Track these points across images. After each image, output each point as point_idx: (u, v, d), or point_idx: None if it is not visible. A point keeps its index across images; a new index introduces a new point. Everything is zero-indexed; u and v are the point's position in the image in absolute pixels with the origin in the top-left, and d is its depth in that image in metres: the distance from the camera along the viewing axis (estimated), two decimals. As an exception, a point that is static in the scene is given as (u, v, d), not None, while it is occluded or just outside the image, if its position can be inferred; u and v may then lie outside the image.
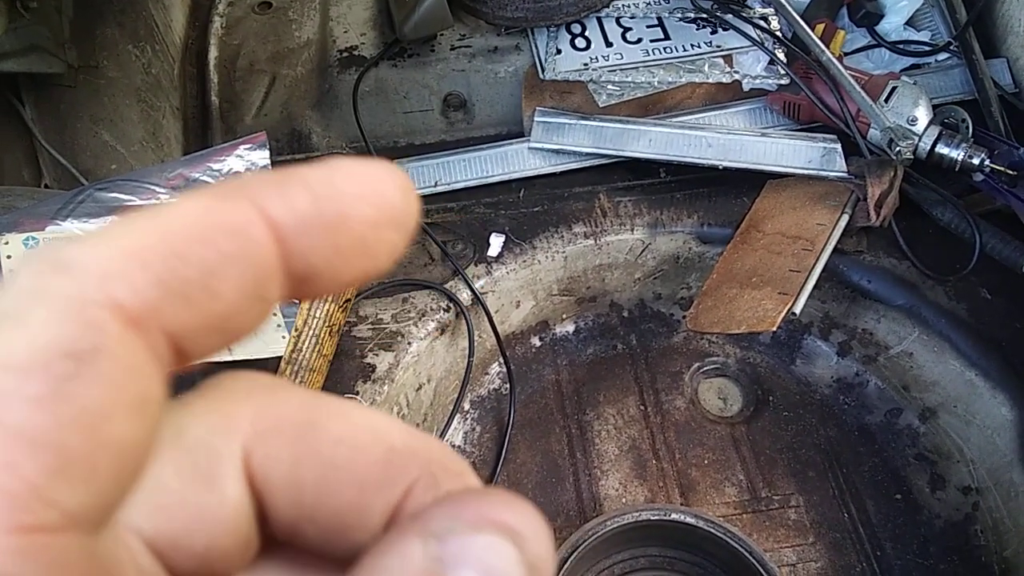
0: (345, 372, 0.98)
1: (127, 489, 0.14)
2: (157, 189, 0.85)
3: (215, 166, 0.89)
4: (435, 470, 0.16)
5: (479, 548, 0.14)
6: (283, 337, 0.85)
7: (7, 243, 0.77)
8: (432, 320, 1.06)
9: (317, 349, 0.75)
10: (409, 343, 1.04)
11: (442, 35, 1.30)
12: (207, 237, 0.14)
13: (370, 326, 1.04)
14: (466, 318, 1.08)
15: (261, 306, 0.15)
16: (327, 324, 0.70)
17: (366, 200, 0.15)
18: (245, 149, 0.91)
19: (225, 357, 0.84)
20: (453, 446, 1.12)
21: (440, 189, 1.21)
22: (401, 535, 0.15)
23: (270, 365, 0.81)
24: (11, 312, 0.13)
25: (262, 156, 0.92)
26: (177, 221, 0.14)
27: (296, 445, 0.16)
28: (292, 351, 0.73)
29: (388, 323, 1.05)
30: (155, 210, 0.14)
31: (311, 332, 0.72)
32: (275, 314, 0.89)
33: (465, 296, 1.09)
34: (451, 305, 1.08)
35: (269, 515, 0.16)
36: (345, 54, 1.32)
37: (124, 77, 1.10)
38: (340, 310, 0.71)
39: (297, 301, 0.91)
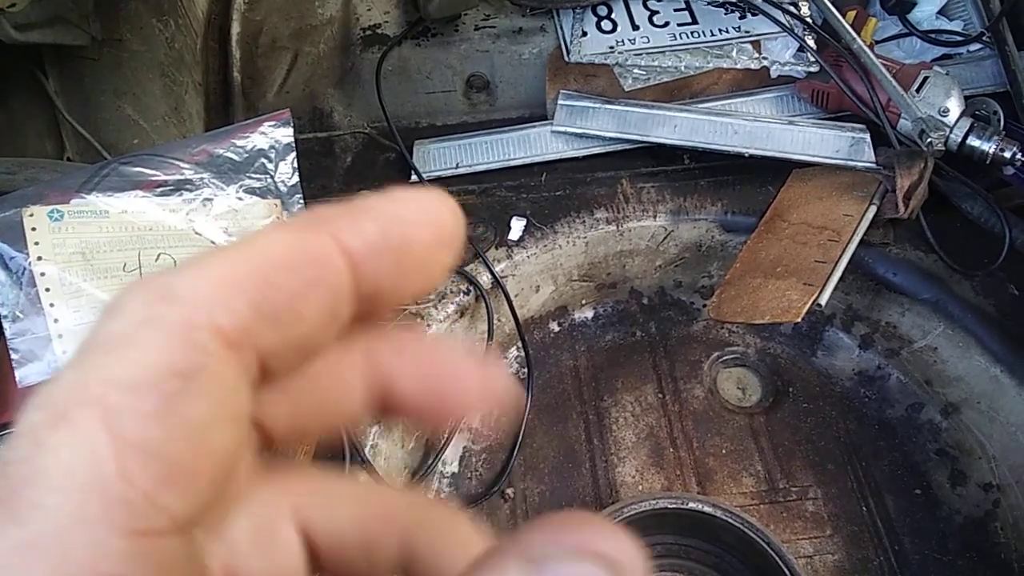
0: (364, 353, 0.97)
1: (222, 495, 0.15)
2: (181, 164, 0.84)
3: (239, 142, 0.88)
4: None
5: (578, 574, 0.14)
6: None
7: (32, 215, 0.77)
8: (452, 303, 1.06)
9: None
10: (428, 325, 1.03)
11: (466, 15, 1.29)
12: (294, 266, 0.15)
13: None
14: (486, 301, 1.07)
15: (335, 325, 0.16)
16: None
17: (425, 226, 0.17)
18: (269, 126, 0.90)
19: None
20: (470, 429, 1.12)
21: (461, 171, 1.20)
22: (500, 556, 0.15)
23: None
24: (126, 336, 0.14)
25: (285, 134, 0.91)
26: (267, 251, 0.15)
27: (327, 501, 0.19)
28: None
29: (408, 305, 1.04)
30: (246, 240, 0.15)
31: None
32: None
33: (485, 279, 1.08)
34: (471, 288, 1.07)
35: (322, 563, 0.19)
36: (368, 32, 1.31)
37: (147, 51, 1.09)
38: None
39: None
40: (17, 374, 0.77)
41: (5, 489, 0.13)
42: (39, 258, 0.77)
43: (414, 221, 0.17)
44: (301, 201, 0.91)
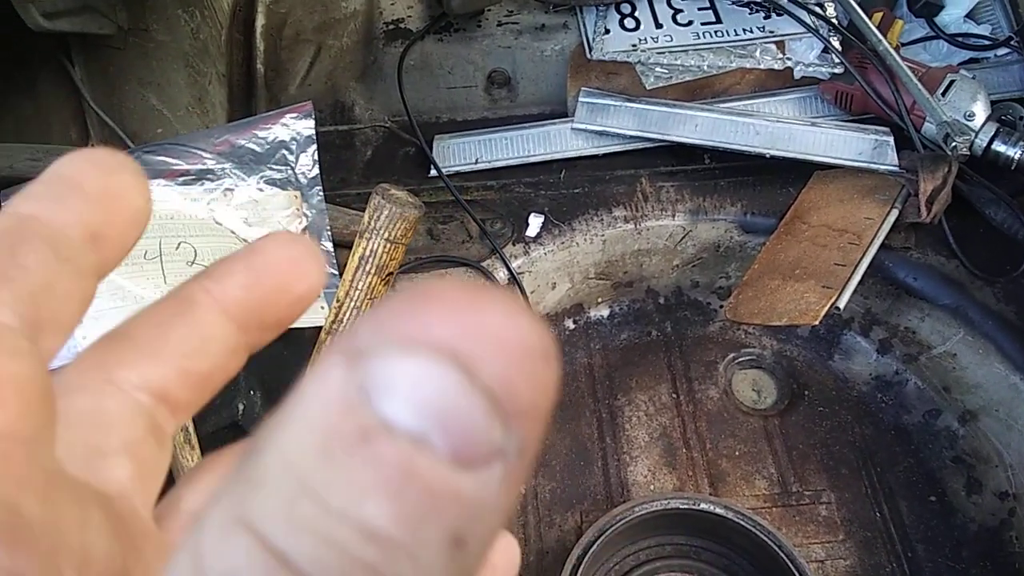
0: (380, 345, 0.98)
1: (37, 410, 0.16)
2: (204, 154, 0.85)
3: (261, 133, 0.89)
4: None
5: (410, 373, 0.11)
6: (322, 308, 0.85)
7: (56, 201, 0.78)
8: (468, 297, 1.06)
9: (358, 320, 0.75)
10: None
11: (489, 11, 1.29)
12: None
13: (406, 301, 1.03)
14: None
15: (73, 266, 0.18)
16: (369, 296, 0.70)
17: (82, 166, 0.19)
18: (291, 118, 0.91)
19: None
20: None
21: (481, 166, 1.20)
22: (328, 354, 0.12)
23: (309, 335, 0.82)
24: None
25: (307, 125, 0.92)
26: None
27: None
28: (333, 321, 0.74)
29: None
30: None
31: (352, 303, 0.72)
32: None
33: (501, 275, 1.08)
34: (487, 284, 1.07)
35: None
36: (391, 26, 1.31)
37: (173, 41, 1.10)
38: (382, 283, 0.71)
39: (337, 273, 0.92)
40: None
41: None
42: (63, 244, 0.78)
43: (71, 168, 0.19)
44: (321, 193, 0.91)
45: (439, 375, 0.11)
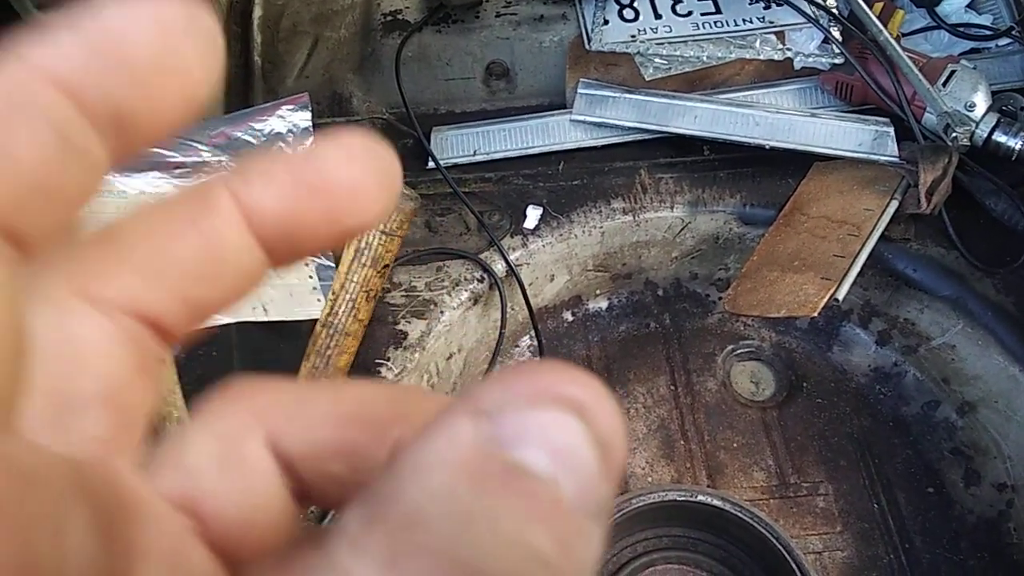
0: (377, 338, 0.98)
1: (14, 377, 0.13)
2: (199, 146, 0.85)
3: (257, 125, 0.89)
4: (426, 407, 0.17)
5: (541, 423, 0.12)
6: (318, 300, 0.85)
7: (52, 194, 0.78)
8: (465, 290, 1.06)
9: (353, 313, 0.75)
10: (442, 312, 1.03)
11: (488, 1, 1.28)
12: None
13: (403, 293, 1.04)
14: (500, 290, 1.08)
15: (82, 159, 0.14)
16: (364, 289, 0.70)
17: (139, 23, 0.14)
18: (287, 110, 0.91)
19: (260, 317, 0.85)
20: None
21: (479, 158, 1.19)
22: (449, 415, 0.13)
23: (305, 327, 0.82)
24: None
25: (304, 117, 0.91)
26: None
27: (303, 408, 0.17)
28: (328, 314, 0.74)
29: (422, 291, 1.05)
30: None
31: (348, 296, 0.72)
32: (310, 277, 0.90)
33: (500, 267, 1.08)
34: (485, 276, 1.07)
35: (298, 483, 0.17)
36: (389, 18, 1.31)
37: (169, 33, 1.10)
38: (377, 275, 0.71)
39: (334, 265, 0.91)
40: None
41: None
42: (59, 237, 0.78)
43: (123, 24, 0.14)
44: (317, 185, 0.91)
45: (567, 426, 0.13)
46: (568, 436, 0.12)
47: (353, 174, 0.16)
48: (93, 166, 0.14)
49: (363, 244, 0.70)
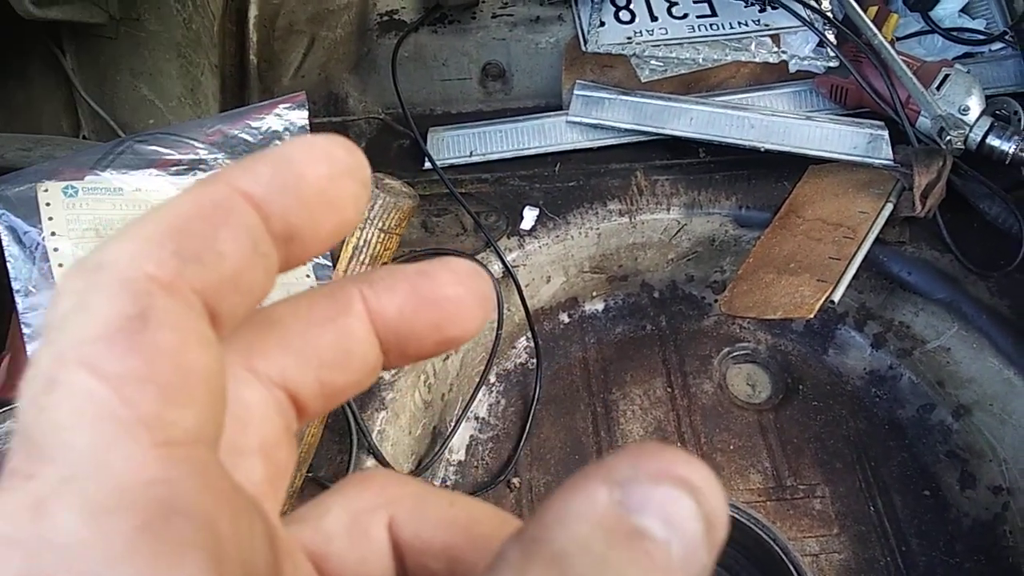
0: (374, 338, 0.97)
1: (221, 410, 0.16)
2: (196, 144, 0.84)
3: (254, 124, 0.88)
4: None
5: (661, 498, 0.15)
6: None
7: (46, 190, 0.77)
8: (462, 290, 1.05)
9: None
10: (438, 312, 1.03)
11: (484, 2, 1.28)
12: (202, 213, 0.17)
13: (400, 293, 1.03)
14: (496, 290, 1.07)
15: (265, 262, 0.17)
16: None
17: (316, 162, 0.18)
18: (284, 108, 0.90)
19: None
20: (477, 418, 1.12)
21: (475, 159, 1.19)
22: (586, 480, 0.15)
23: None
24: (76, 307, 0.15)
25: (300, 116, 0.91)
26: (176, 209, 0.17)
27: (419, 510, 0.20)
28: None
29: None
30: (157, 207, 0.17)
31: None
32: (308, 276, 0.89)
33: (496, 268, 1.08)
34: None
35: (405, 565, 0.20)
36: (385, 18, 1.30)
37: (165, 31, 1.09)
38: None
39: (331, 264, 0.91)
40: (29, 348, 0.77)
41: (24, 445, 0.14)
42: (53, 233, 0.77)
43: (304, 159, 0.18)
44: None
45: (682, 502, 0.15)
46: (681, 510, 0.15)
47: (459, 293, 0.19)
48: (270, 268, 0.17)
49: (361, 242, 0.70)
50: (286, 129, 0.91)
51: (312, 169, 0.17)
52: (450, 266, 0.20)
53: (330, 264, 0.86)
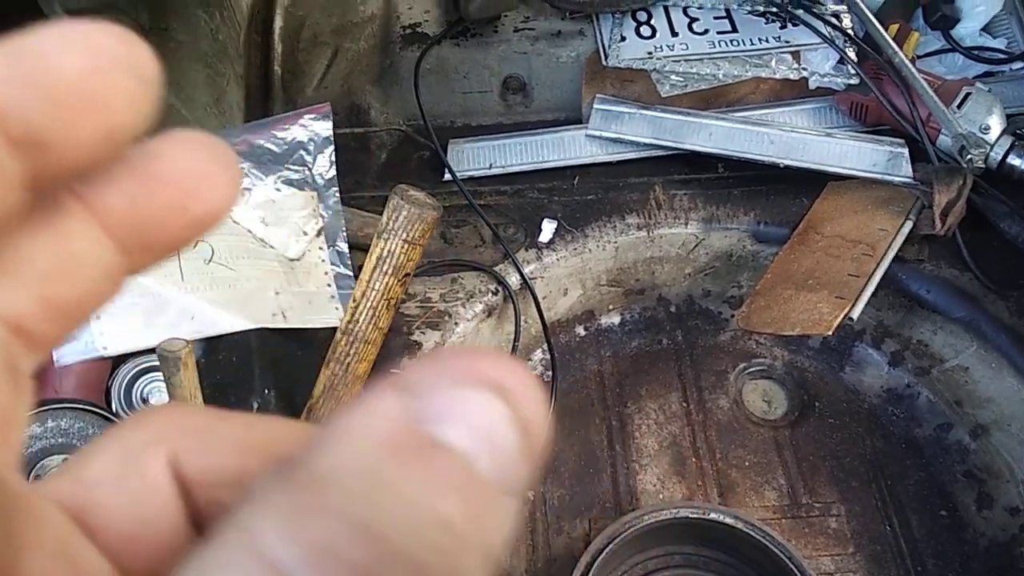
0: (392, 348, 0.98)
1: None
2: (222, 153, 0.85)
3: (279, 134, 0.89)
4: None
5: (465, 403, 0.13)
6: (336, 308, 0.85)
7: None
8: (480, 302, 1.06)
9: (373, 321, 0.75)
10: (456, 323, 1.04)
11: (506, 16, 1.29)
12: None
13: (419, 304, 1.04)
14: (514, 302, 1.08)
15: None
16: (385, 297, 0.70)
17: (70, 49, 0.14)
18: (309, 118, 0.91)
19: (279, 324, 0.85)
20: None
21: (495, 172, 1.20)
22: (377, 392, 0.13)
23: (323, 335, 0.82)
24: None
25: (325, 127, 0.92)
26: None
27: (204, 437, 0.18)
28: (349, 321, 0.74)
29: (436, 302, 1.05)
30: None
31: (369, 304, 0.72)
32: (329, 285, 0.90)
33: (514, 280, 1.09)
34: (499, 288, 1.08)
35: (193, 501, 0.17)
36: (408, 31, 1.32)
37: (192, 41, 1.11)
38: (399, 283, 0.71)
39: (352, 274, 0.92)
40: (54, 354, 0.78)
41: None
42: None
43: (53, 48, 0.14)
44: (337, 194, 0.92)
45: (489, 407, 0.13)
46: (489, 415, 0.13)
47: (199, 163, 0.16)
48: (5, 179, 0.14)
49: (385, 252, 0.71)
50: (311, 139, 0.92)
51: (65, 60, 0.14)
52: (178, 138, 0.16)
53: (351, 274, 0.87)
